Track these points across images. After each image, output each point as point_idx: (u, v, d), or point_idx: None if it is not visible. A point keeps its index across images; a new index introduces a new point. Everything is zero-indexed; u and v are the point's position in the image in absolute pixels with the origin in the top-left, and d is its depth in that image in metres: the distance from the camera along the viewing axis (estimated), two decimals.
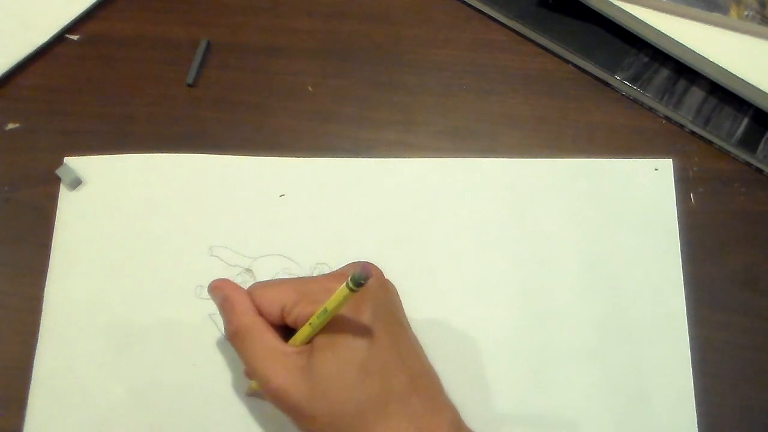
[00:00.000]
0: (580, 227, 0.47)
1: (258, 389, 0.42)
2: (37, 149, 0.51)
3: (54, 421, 0.43)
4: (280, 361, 0.36)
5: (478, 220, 0.48)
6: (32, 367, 0.45)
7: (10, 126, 0.51)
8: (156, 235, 0.48)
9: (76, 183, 0.49)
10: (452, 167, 0.49)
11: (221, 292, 0.40)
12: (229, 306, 0.39)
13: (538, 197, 0.48)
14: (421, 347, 0.39)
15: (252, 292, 0.39)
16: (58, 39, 0.54)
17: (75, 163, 0.50)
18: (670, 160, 0.49)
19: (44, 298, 0.46)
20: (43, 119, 0.52)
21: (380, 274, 0.39)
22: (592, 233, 0.47)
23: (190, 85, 0.52)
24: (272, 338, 0.37)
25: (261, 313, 0.38)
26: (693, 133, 0.50)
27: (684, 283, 0.46)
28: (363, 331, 0.36)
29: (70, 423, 0.43)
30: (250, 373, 0.38)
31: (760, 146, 0.48)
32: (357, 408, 0.35)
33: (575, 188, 0.48)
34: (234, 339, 0.38)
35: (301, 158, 0.50)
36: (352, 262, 0.40)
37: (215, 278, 0.41)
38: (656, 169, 0.49)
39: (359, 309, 0.36)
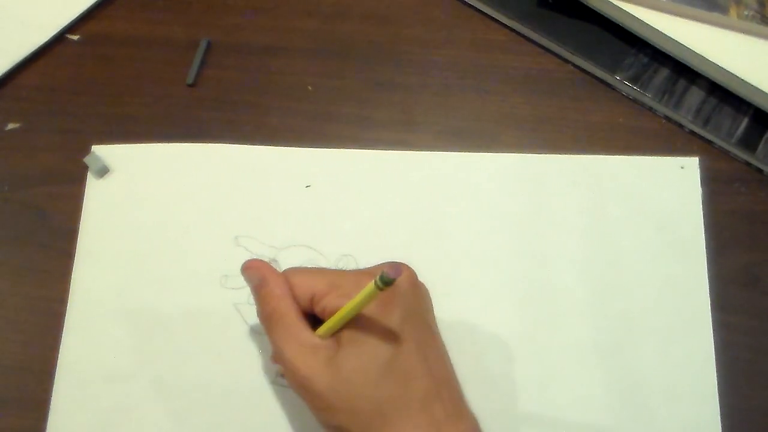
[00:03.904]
0: (604, 224, 0.47)
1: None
2: (37, 149, 0.51)
3: (79, 408, 0.43)
4: (308, 350, 0.36)
5: (503, 216, 0.48)
6: (32, 365, 0.45)
7: (10, 126, 0.51)
8: (182, 224, 0.48)
9: (103, 171, 0.49)
10: (481, 161, 0.49)
11: (258, 272, 0.39)
12: (265, 288, 0.39)
13: (563, 193, 0.48)
14: (447, 353, 0.39)
15: (285, 276, 0.39)
16: (58, 39, 0.54)
17: (102, 151, 0.50)
18: (697, 158, 0.49)
19: (71, 285, 0.46)
20: (43, 119, 0.52)
21: (413, 275, 0.39)
22: (616, 230, 0.47)
23: (190, 85, 0.52)
24: (303, 327, 0.37)
25: (294, 299, 0.38)
26: (693, 132, 0.50)
27: None
28: (389, 332, 0.36)
29: (95, 410, 0.43)
30: (278, 357, 0.38)
31: (760, 146, 0.49)
32: (377, 407, 0.35)
33: (599, 185, 0.48)
34: (267, 322, 0.38)
35: (328, 149, 0.50)
36: (387, 262, 0.39)
37: (249, 260, 0.41)
38: (682, 167, 0.49)
39: (388, 309, 0.36)
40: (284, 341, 0.37)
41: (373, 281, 0.33)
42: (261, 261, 0.41)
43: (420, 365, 0.36)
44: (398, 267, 0.32)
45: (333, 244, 0.47)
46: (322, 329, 0.37)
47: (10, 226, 0.49)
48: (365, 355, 0.36)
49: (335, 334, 0.37)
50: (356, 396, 0.35)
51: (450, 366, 0.39)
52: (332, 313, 0.37)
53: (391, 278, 0.32)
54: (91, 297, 0.46)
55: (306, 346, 0.37)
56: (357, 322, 0.36)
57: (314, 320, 0.38)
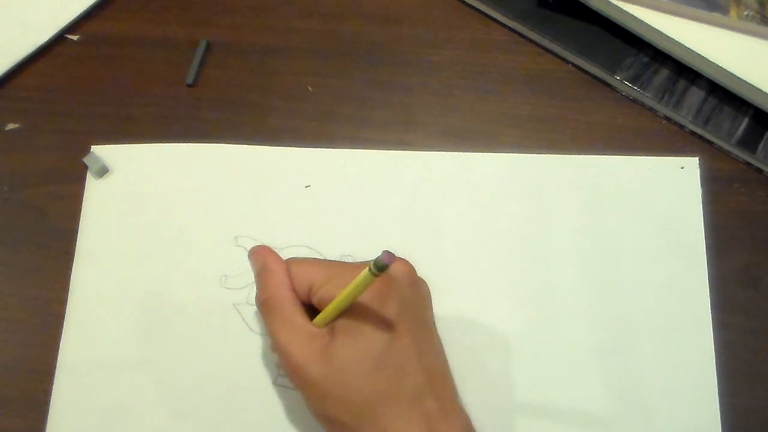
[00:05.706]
0: (604, 224, 0.47)
1: None
2: (37, 149, 0.51)
3: (79, 407, 0.43)
4: (302, 337, 0.37)
5: (502, 216, 0.48)
6: (32, 365, 0.45)
7: (10, 126, 0.51)
8: (182, 224, 0.48)
9: (102, 171, 0.49)
10: (481, 161, 0.49)
11: (261, 258, 0.40)
12: (265, 275, 0.39)
13: (563, 193, 0.48)
14: (443, 350, 0.39)
15: (287, 265, 0.39)
16: (58, 39, 0.54)
17: (102, 151, 0.50)
18: (697, 158, 0.49)
19: (70, 285, 0.46)
20: (43, 119, 0.52)
21: (412, 271, 0.39)
22: (616, 230, 0.47)
23: (190, 85, 0.52)
24: (299, 315, 0.38)
25: (292, 288, 0.39)
26: (693, 133, 0.50)
27: None
28: (385, 325, 0.36)
29: (95, 409, 0.44)
30: (273, 344, 0.38)
31: (760, 146, 0.48)
32: (368, 399, 0.35)
33: (599, 185, 0.48)
34: (263, 308, 0.39)
35: (328, 149, 0.50)
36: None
37: (255, 246, 0.42)
38: (682, 168, 0.49)
39: (385, 302, 0.36)
40: (279, 328, 0.37)
41: (367, 267, 0.33)
42: (265, 247, 0.41)
43: (414, 360, 0.36)
44: (391, 255, 0.32)
45: (332, 244, 0.47)
46: (318, 318, 0.37)
47: (10, 226, 0.49)
48: (359, 346, 0.36)
49: (331, 323, 0.37)
50: (348, 386, 0.35)
51: (445, 362, 0.39)
52: (328, 303, 0.37)
53: (385, 263, 0.32)
54: (91, 297, 0.46)
55: (301, 334, 0.37)
56: (353, 312, 0.36)
57: (313, 311, 0.38)
